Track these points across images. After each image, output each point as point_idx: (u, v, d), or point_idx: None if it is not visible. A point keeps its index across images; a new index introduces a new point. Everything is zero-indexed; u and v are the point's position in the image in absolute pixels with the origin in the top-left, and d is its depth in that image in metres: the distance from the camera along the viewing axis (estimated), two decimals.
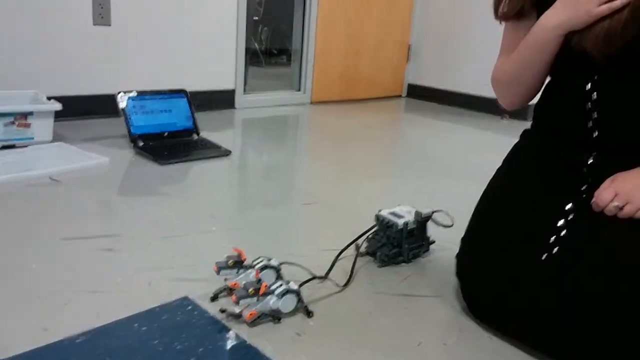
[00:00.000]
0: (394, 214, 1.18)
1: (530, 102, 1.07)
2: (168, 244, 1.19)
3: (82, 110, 2.31)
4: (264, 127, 2.53)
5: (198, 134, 2.13)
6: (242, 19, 2.79)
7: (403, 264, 1.18)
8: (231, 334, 0.88)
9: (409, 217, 1.17)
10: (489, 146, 2.50)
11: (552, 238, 0.89)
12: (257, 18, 5.22)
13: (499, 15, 1.02)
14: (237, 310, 0.92)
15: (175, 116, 2.10)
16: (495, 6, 1.02)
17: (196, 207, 1.42)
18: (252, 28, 4.89)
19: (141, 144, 1.93)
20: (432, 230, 1.24)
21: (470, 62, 3.44)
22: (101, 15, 2.29)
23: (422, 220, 1.19)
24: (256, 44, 5.35)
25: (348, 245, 1.19)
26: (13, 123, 1.78)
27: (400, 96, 3.86)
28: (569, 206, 0.91)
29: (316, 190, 1.66)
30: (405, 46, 3.77)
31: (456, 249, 1.05)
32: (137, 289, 0.99)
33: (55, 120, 1.90)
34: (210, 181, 1.67)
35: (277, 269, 1.01)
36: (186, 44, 2.61)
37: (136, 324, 0.88)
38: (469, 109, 3.44)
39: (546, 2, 0.93)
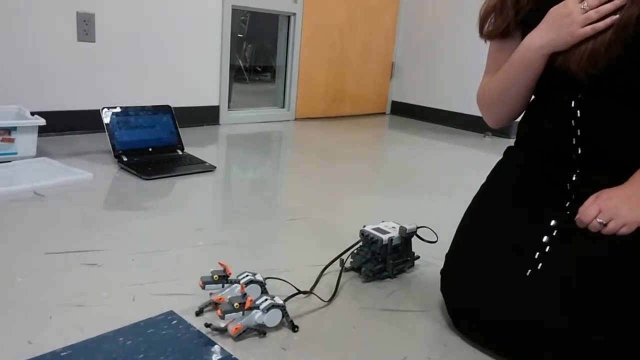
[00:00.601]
0: (378, 229, 1.20)
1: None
2: (153, 258, 1.19)
3: (66, 125, 2.30)
4: (249, 143, 2.54)
5: (182, 150, 2.13)
6: (226, 36, 2.82)
7: (388, 279, 1.19)
8: (216, 348, 0.88)
9: (394, 233, 1.19)
10: (472, 163, 2.54)
11: (537, 254, 0.91)
12: (241, 35, 5.27)
13: (484, 34, 1.04)
14: (222, 324, 0.92)
15: (160, 132, 2.11)
16: (481, 25, 1.04)
17: (181, 222, 1.42)
18: (236, 45, 4.92)
19: (125, 159, 1.92)
20: (417, 246, 1.25)
21: (453, 79, 3.51)
22: (86, 31, 2.30)
23: (406, 236, 1.20)
24: (240, 61, 5.39)
25: (333, 261, 1.20)
26: None
27: (384, 113, 3.91)
28: (553, 222, 0.93)
29: (301, 206, 1.67)
30: (389, 63, 3.83)
31: (441, 265, 1.07)
32: (122, 303, 0.99)
33: (39, 136, 1.89)
34: (194, 196, 1.67)
35: (262, 284, 1.01)
36: (170, 60, 2.62)
37: (121, 338, 0.88)
38: (452, 127, 3.50)
39: (531, 22, 0.96)
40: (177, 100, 2.60)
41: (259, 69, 5.75)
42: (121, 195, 1.61)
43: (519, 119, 1.09)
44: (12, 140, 1.80)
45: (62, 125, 2.27)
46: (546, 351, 0.84)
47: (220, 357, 0.86)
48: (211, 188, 1.79)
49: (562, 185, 0.96)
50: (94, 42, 2.33)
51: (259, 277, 1.02)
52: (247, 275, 1.02)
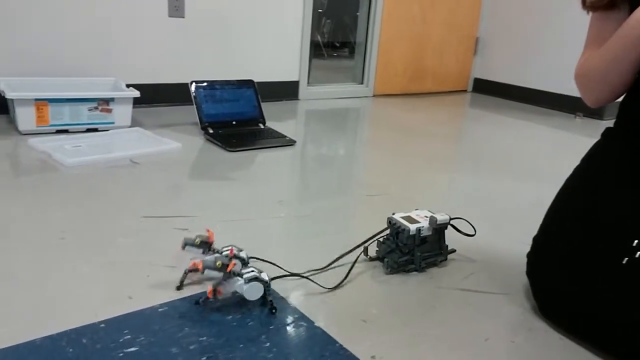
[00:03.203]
0: (408, 218, 1.11)
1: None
2: (237, 226, 1.24)
3: (157, 97, 2.42)
4: (327, 119, 2.56)
5: (264, 124, 2.19)
6: (308, 11, 2.83)
7: (437, 264, 1.13)
8: (298, 314, 0.91)
9: (424, 223, 1.09)
10: (561, 145, 2.41)
11: (635, 242, 0.86)
12: (320, 10, 5.26)
13: (587, 5, 0.97)
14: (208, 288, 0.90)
15: (243, 105, 2.17)
16: None
17: (263, 194, 1.47)
18: (316, 21, 4.92)
19: (211, 131, 2.01)
20: (485, 226, 1.21)
21: (541, 56, 3.32)
22: (176, 7, 2.39)
23: (437, 227, 1.10)
24: (319, 36, 5.39)
25: (354, 248, 1.14)
26: (96, 108, 1.90)
27: (465, 91, 3.78)
28: None
29: (379, 182, 1.66)
30: (473, 39, 3.68)
31: (518, 250, 1.03)
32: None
33: (132, 107, 2.01)
34: (276, 169, 1.71)
35: (244, 261, 0.97)
36: (254, 36, 2.67)
37: (212, 299, 0.93)
38: (539, 106, 3.32)
39: None
40: (260, 75, 2.66)
41: (337, 44, 5.73)
42: (207, 166, 1.68)
43: (620, 99, 1.01)
44: (110, 111, 1.93)
45: (153, 97, 2.40)
46: (636, 345, 0.80)
47: (302, 323, 0.88)
48: (291, 162, 1.82)
49: None
50: (184, 17, 2.42)
51: (242, 254, 0.98)
52: (233, 249, 0.98)
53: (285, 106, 2.73)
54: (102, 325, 0.83)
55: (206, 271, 0.91)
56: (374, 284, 1.04)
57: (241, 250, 0.99)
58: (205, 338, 0.82)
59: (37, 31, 2.07)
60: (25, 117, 1.80)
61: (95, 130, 1.92)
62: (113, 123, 1.95)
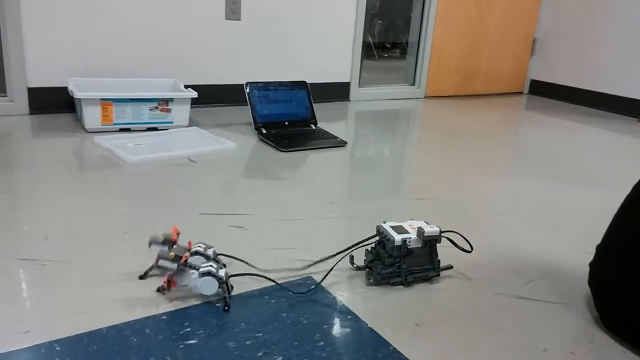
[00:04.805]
0: (398, 228, 1.04)
1: None
2: (290, 226, 1.26)
3: (213, 98, 2.49)
4: (378, 120, 2.55)
5: (316, 125, 2.20)
6: (361, 13, 2.83)
7: (429, 280, 1.07)
8: (351, 314, 0.91)
9: (413, 234, 1.03)
10: (623, 150, 2.30)
11: None
12: (372, 12, 5.25)
13: None
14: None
15: (296, 106, 2.19)
16: None
17: (315, 194, 1.48)
18: (367, 21, 4.92)
19: (264, 131, 2.04)
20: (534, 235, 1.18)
21: (602, 57, 3.18)
22: (233, 10, 2.45)
23: (425, 239, 1.03)
24: (370, 37, 5.38)
25: (337, 253, 1.09)
26: (157, 108, 1.97)
27: (521, 93, 3.67)
28: None
29: (428, 185, 1.64)
30: (530, 39, 3.57)
31: (581, 259, 1.00)
32: (266, 265, 1.07)
33: (190, 107, 2.07)
34: (327, 170, 1.72)
35: (208, 258, 0.97)
36: (307, 38, 2.70)
37: (266, 296, 0.95)
38: (598, 109, 3.18)
39: None
40: (312, 76, 2.69)
41: (387, 45, 5.70)
42: (261, 165, 1.71)
43: None
44: (169, 111, 2.00)
45: (210, 97, 2.47)
46: None
47: (354, 324, 0.89)
48: (342, 162, 1.83)
49: None
50: (240, 20, 2.48)
51: (209, 252, 0.98)
52: (199, 246, 0.99)
53: (336, 107, 2.74)
54: (164, 317, 0.87)
55: (160, 261, 0.94)
56: (429, 287, 1.03)
57: (210, 248, 1.00)
58: (261, 334, 0.84)
59: (102, 34, 2.17)
60: (91, 116, 1.89)
61: (155, 129, 1.99)
62: (172, 122, 2.02)
